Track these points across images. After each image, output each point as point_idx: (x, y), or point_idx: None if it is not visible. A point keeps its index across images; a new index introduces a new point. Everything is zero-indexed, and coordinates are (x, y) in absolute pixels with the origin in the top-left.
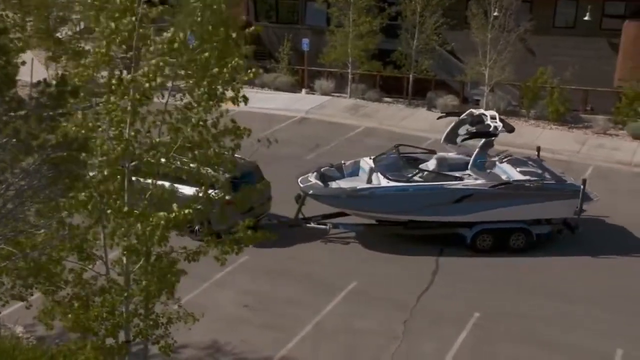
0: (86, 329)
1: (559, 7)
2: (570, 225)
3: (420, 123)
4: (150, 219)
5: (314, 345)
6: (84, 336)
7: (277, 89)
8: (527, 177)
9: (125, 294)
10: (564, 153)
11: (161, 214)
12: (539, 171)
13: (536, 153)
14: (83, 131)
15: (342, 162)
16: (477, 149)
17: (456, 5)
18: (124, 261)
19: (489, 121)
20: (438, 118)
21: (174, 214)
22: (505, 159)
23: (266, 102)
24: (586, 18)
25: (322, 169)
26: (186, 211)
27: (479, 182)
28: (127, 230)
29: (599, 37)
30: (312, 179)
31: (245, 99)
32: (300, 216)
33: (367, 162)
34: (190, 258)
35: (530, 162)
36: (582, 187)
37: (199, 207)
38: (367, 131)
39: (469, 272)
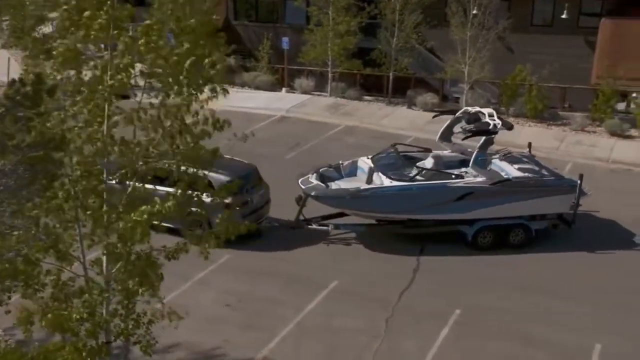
0: (66, 330)
1: (537, 5)
2: (567, 220)
3: (400, 121)
4: (132, 215)
5: (296, 344)
6: (63, 338)
7: (257, 87)
8: (526, 174)
9: (106, 295)
10: (543, 150)
11: (144, 207)
12: (536, 168)
13: (527, 149)
14: (61, 131)
15: (340, 162)
16: (477, 147)
17: (436, 3)
18: (104, 261)
19: (487, 119)
20: (434, 117)
21: (157, 207)
22: (503, 157)
23: (246, 101)
24: (564, 16)
25: (320, 170)
26: (169, 204)
27: (480, 179)
28: (106, 229)
29: (577, 35)
30: (313, 180)
31: (225, 91)
32: (301, 218)
33: (365, 162)
34: (171, 256)
35: (525, 159)
36: (579, 182)
37: (193, 209)
38: (348, 130)
39: (450, 269)
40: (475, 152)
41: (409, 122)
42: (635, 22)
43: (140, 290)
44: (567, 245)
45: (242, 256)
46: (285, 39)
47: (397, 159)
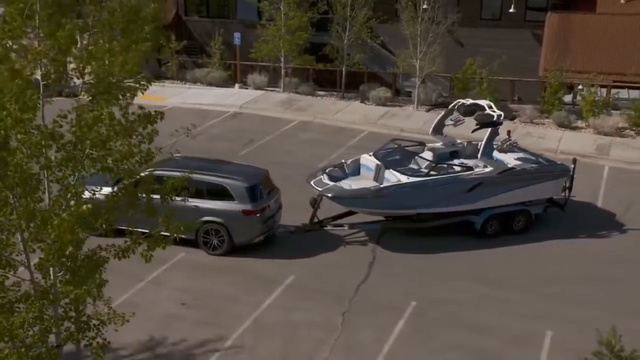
0: (12, 336)
1: None
2: (559, 203)
3: (354, 116)
4: (56, 219)
5: (254, 341)
6: (14, 345)
7: (210, 84)
8: (526, 162)
9: (51, 297)
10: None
11: (64, 215)
12: (531, 155)
13: (507, 137)
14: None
15: (343, 161)
16: (485, 139)
17: None
18: (50, 264)
19: (488, 111)
20: (427, 111)
21: (77, 213)
22: (507, 147)
23: (199, 97)
24: (511, 10)
25: (327, 170)
26: (84, 207)
27: (487, 170)
28: (38, 234)
29: (524, 28)
30: (327, 181)
31: (149, 81)
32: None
33: (370, 160)
34: (120, 255)
35: (515, 148)
36: (572, 166)
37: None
38: (302, 125)
39: (405, 261)
40: (483, 144)
41: (363, 116)
42: (580, 16)
43: (84, 293)
44: (519, 238)
45: (196, 254)
46: (236, 35)
47: (401, 155)
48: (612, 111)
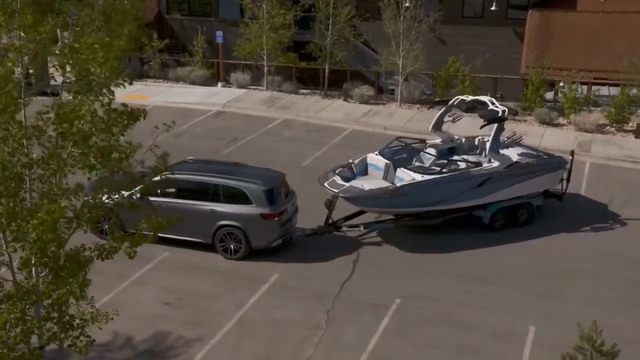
0: None
1: None
2: (557, 194)
3: (337, 114)
4: (37, 217)
5: (238, 340)
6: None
7: (193, 82)
8: (528, 156)
9: (34, 297)
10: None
11: (42, 214)
12: (532, 151)
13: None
14: None
15: (351, 161)
16: (491, 135)
17: None
18: (33, 264)
19: (492, 106)
20: (429, 108)
21: (54, 210)
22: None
23: (181, 96)
24: (493, 8)
25: (337, 171)
26: (62, 204)
27: (495, 165)
28: (20, 234)
29: (506, 26)
30: (341, 181)
31: (129, 78)
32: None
33: (377, 159)
34: (104, 256)
35: (513, 143)
36: (571, 158)
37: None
38: (285, 123)
39: (389, 259)
40: (490, 140)
41: (345, 114)
42: (561, 13)
43: (65, 292)
44: (505, 236)
45: (180, 253)
46: (219, 33)
47: (407, 153)
48: (593, 108)
